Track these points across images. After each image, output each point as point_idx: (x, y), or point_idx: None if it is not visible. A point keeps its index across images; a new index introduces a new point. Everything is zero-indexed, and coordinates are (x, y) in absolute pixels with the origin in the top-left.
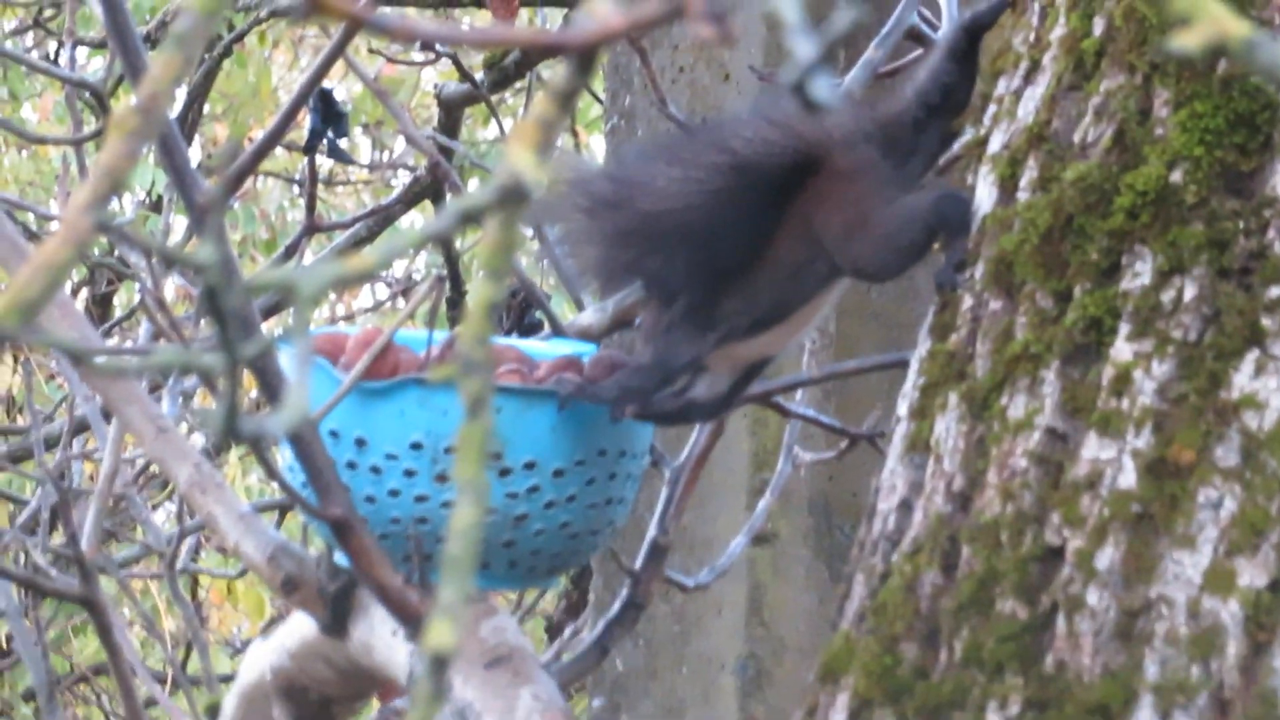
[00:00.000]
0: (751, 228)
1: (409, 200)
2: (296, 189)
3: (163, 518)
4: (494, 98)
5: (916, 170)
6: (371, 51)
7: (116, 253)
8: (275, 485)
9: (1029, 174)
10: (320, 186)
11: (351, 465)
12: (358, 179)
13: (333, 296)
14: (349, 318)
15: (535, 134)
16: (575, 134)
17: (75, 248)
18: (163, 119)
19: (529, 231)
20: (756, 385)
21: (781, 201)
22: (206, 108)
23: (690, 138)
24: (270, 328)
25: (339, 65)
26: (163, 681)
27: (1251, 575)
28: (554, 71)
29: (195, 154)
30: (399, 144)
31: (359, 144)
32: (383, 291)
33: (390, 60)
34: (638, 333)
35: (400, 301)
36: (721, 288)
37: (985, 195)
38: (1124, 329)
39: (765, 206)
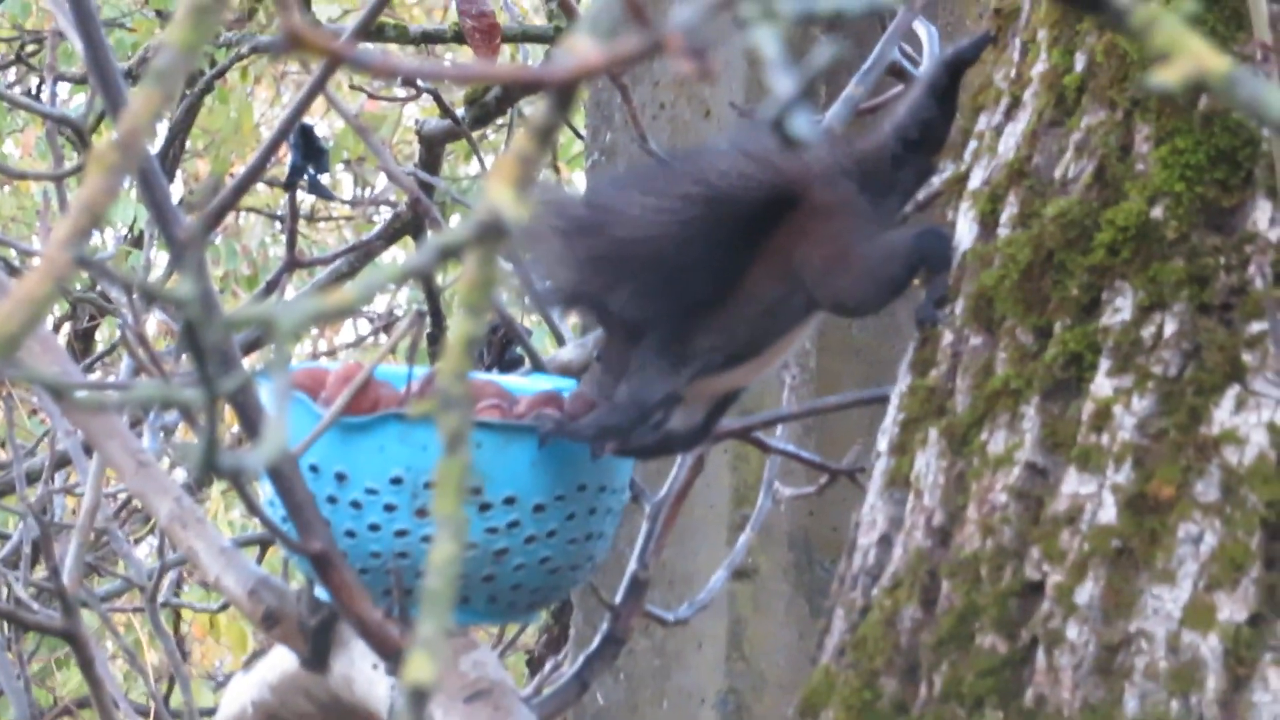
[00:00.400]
0: (725, 260)
1: (390, 236)
2: (278, 225)
3: (145, 552)
4: (475, 134)
5: (894, 206)
6: (353, 88)
7: (98, 288)
8: (256, 520)
9: (1010, 210)
10: (302, 222)
11: (332, 500)
12: (339, 215)
13: (314, 332)
14: (331, 353)
15: (515, 170)
16: (557, 169)
17: (55, 282)
18: (143, 154)
19: (509, 267)
20: (737, 420)
21: (757, 236)
22: (188, 144)
23: (666, 168)
24: (251, 363)
25: (321, 101)
26: (145, 715)
27: (1231, 610)
28: (535, 107)
29: (177, 190)
30: (380, 180)
31: (341, 180)
32: (364, 327)
33: (372, 96)
34: (598, 365)
35: (382, 337)
36: (695, 322)
37: (966, 231)
38: (1104, 364)
39: (740, 240)
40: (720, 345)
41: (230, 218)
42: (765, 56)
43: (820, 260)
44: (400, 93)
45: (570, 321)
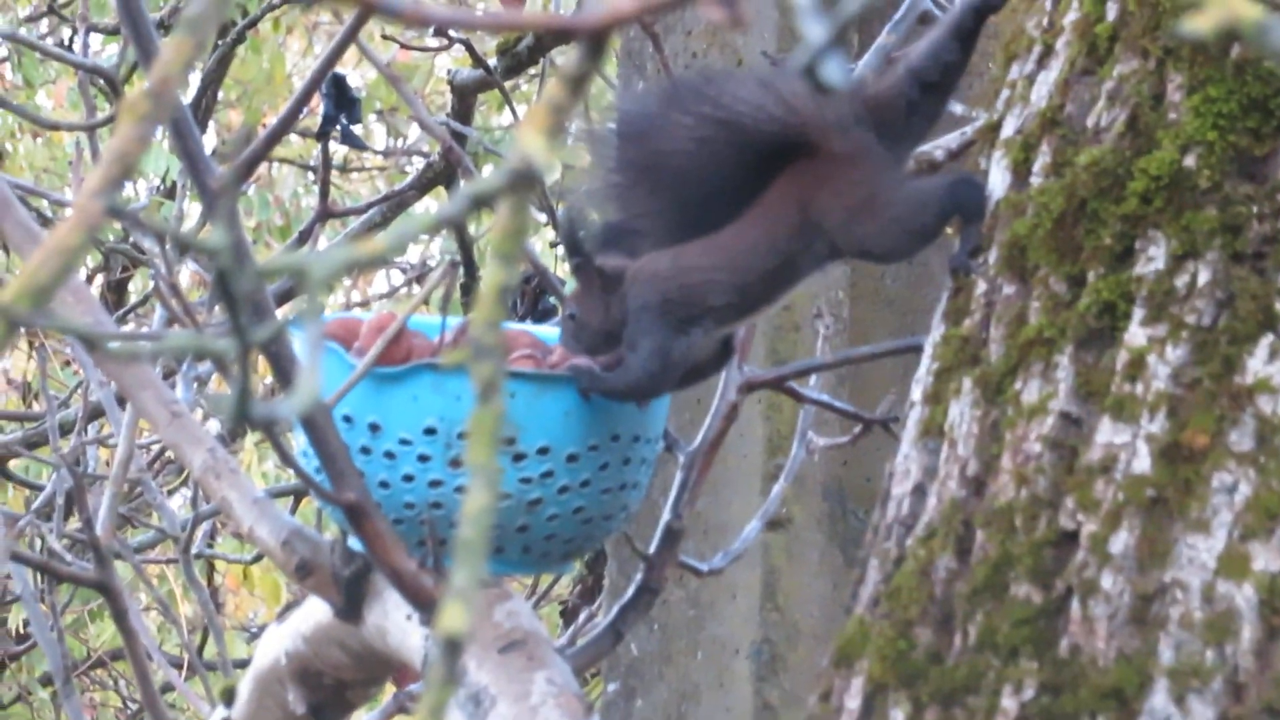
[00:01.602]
0: (728, 192)
1: (423, 186)
2: (311, 175)
3: (179, 503)
4: (508, 83)
5: (907, 149)
6: (385, 38)
7: (131, 239)
8: (290, 471)
9: (1042, 159)
10: (335, 173)
11: (365, 450)
12: (373, 165)
13: (348, 282)
14: (364, 304)
15: (546, 118)
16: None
17: (86, 232)
18: (174, 104)
19: (542, 216)
20: (771, 370)
21: (764, 175)
22: (221, 94)
23: (693, 87)
24: (284, 313)
25: (353, 52)
26: (179, 666)
27: (1266, 559)
28: (566, 56)
29: (210, 140)
30: (413, 130)
31: (374, 131)
32: (398, 278)
33: (404, 46)
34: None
35: (415, 287)
36: (697, 277)
37: (999, 180)
38: (1138, 314)
39: (746, 174)
40: (736, 303)
41: (263, 168)
42: (796, 4)
43: (844, 209)
44: (433, 43)
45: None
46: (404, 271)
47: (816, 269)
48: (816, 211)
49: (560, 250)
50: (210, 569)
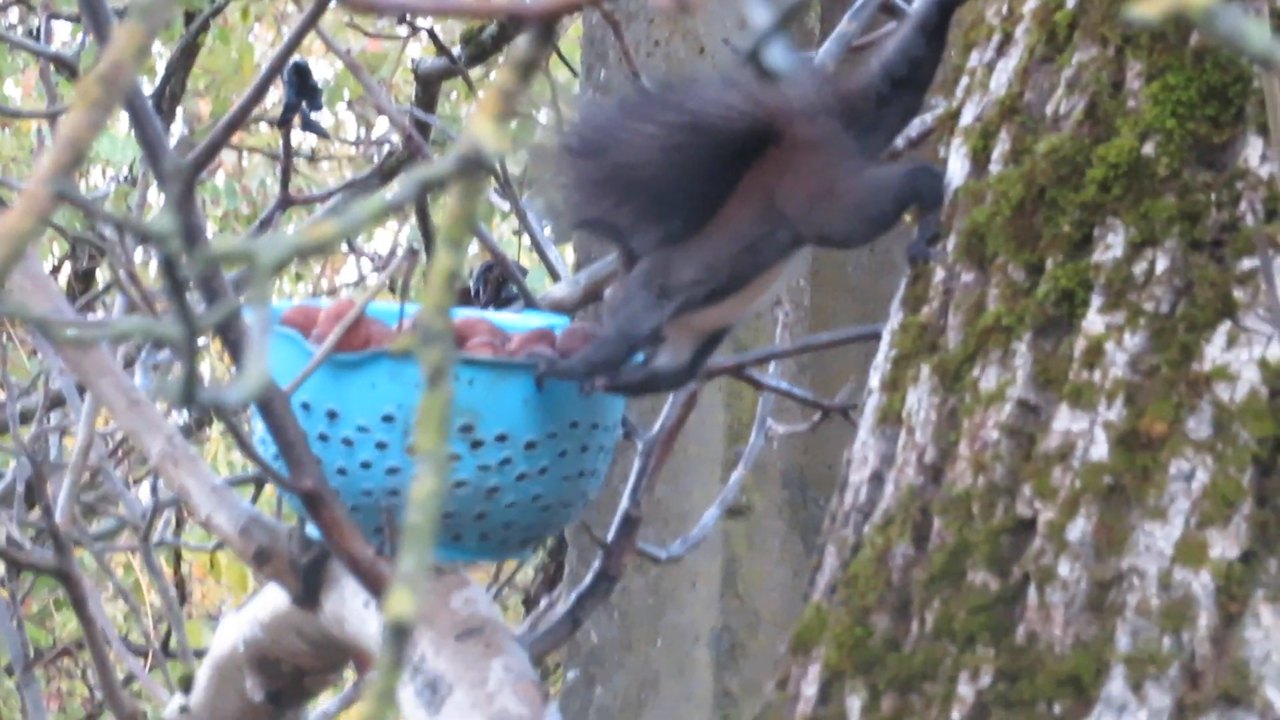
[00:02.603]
0: (708, 191)
1: (385, 174)
2: (279, 165)
3: (146, 492)
4: (473, 72)
5: (879, 144)
6: (351, 26)
7: (95, 227)
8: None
9: (1001, 146)
10: (304, 162)
11: (323, 438)
12: (340, 155)
13: (316, 271)
14: (332, 292)
15: (497, 104)
16: (556, 109)
17: (36, 218)
18: (129, 90)
19: (504, 203)
20: (731, 357)
21: (739, 169)
22: (190, 84)
23: (654, 96)
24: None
25: (322, 42)
26: (145, 655)
27: (1223, 547)
28: (517, 42)
29: (178, 130)
30: (383, 120)
31: (344, 120)
32: (367, 266)
33: (371, 36)
34: (604, 305)
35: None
36: (679, 257)
37: (958, 168)
38: (1096, 301)
39: (723, 172)
40: (703, 280)
41: (233, 158)
42: None
43: (804, 195)
44: (401, 32)
45: (565, 259)
46: (372, 260)
47: (782, 258)
48: (780, 198)
49: (525, 239)
50: (177, 557)
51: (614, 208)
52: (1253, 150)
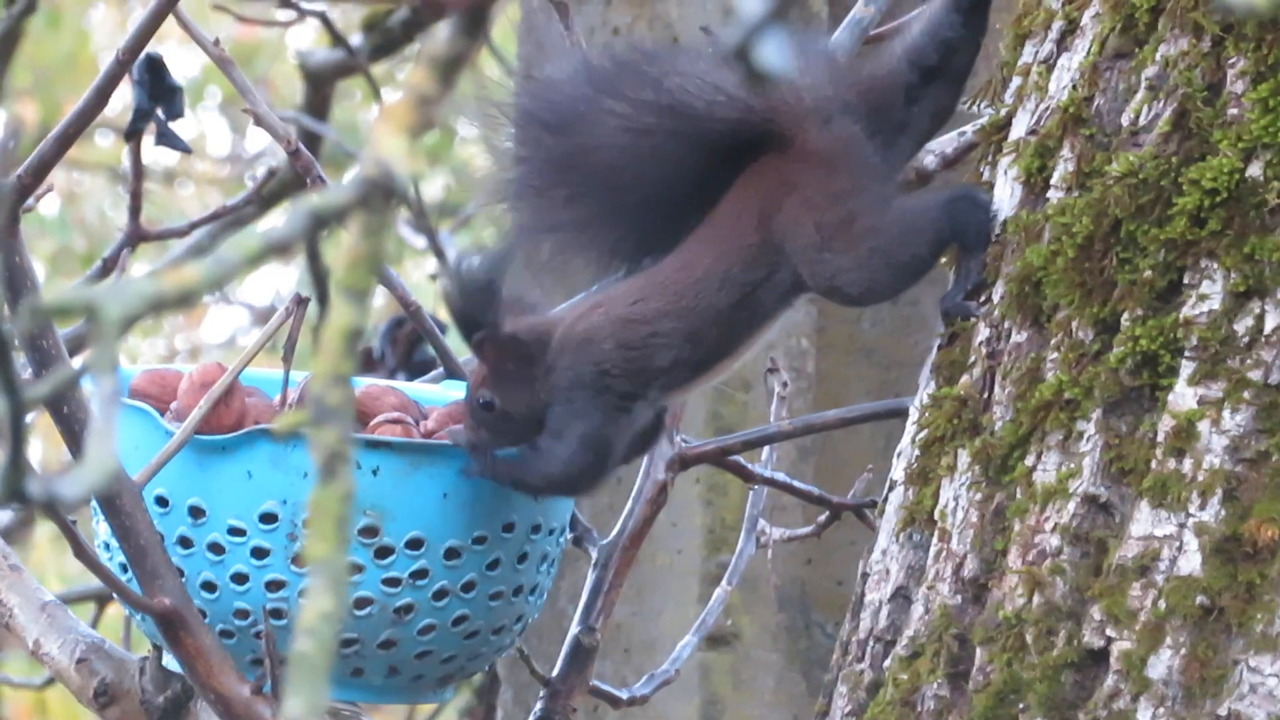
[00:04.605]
0: (680, 199)
1: (265, 201)
2: (122, 187)
3: None
4: (376, 69)
5: (905, 151)
6: (217, 8)
7: None
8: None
9: (1063, 167)
10: (158, 182)
11: (185, 542)
12: (206, 175)
13: (176, 324)
14: (195, 354)
15: (409, 114)
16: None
17: None
18: None
19: (421, 242)
20: (712, 440)
21: (726, 176)
22: (10, 81)
23: (628, 65)
24: (79, 363)
25: (180, 30)
26: None
27: None
28: (438, 34)
29: None
30: (262, 132)
31: (210, 131)
32: (243, 319)
33: (242, 20)
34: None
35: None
36: (637, 314)
37: (1006, 195)
38: (1186, 368)
39: (703, 175)
40: (683, 360)
41: (64, 178)
42: None
43: (814, 228)
44: (284, 16)
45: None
46: (248, 312)
47: (783, 306)
48: (780, 228)
49: (443, 286)
50: None
51: (564, 202)
52: None
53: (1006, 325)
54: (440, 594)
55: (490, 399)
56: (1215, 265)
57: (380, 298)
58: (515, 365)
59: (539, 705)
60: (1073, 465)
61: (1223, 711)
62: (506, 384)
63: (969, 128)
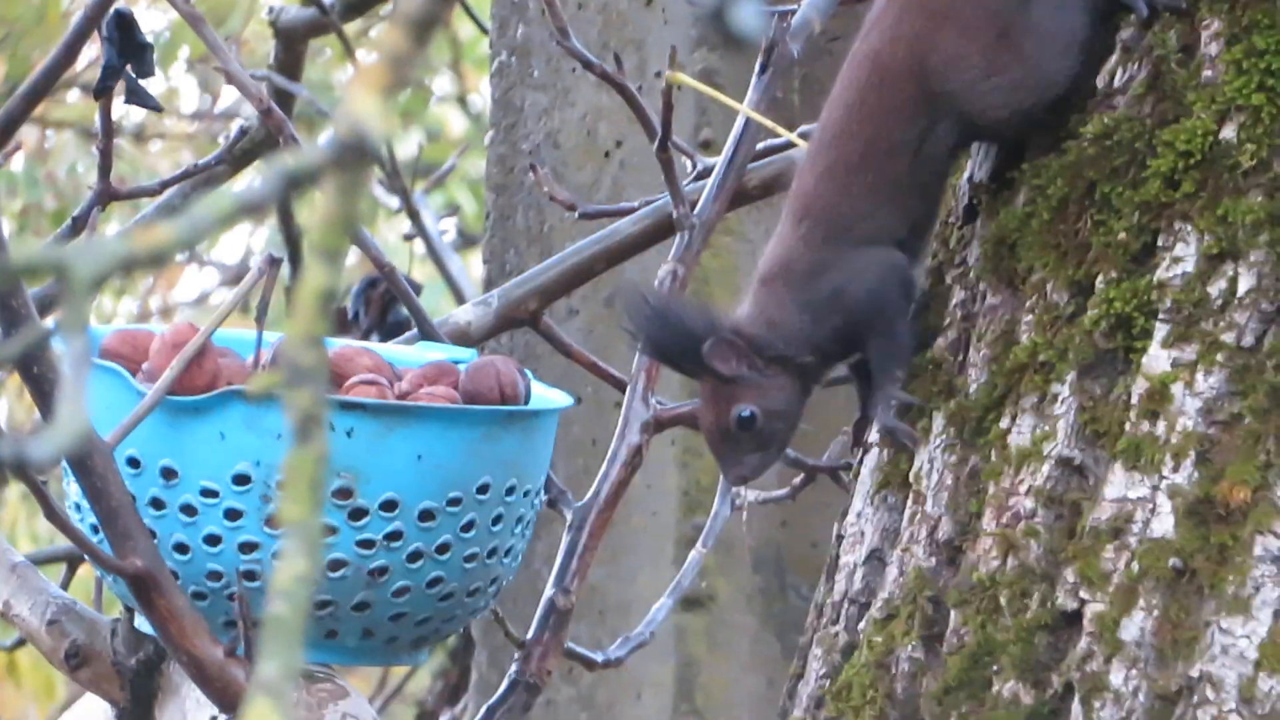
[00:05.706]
0: None
1: (237, 160)
2: (93, 145)
3: None
4: (350, 27)
5: None
6: None
7: None
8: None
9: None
10: (129, 141)
11: (157, 504)
12: (177, 133)
13: (148, 285)
14: (167, 314)
15: (383, 75)
16: (459, 74)
17: None
18: None
19: (395, 202)
20: (685, 402)
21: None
22: None
23: None
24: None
25: None
26: None
27: None
28: None
29: None
30: (233, 90)
31: (181, 88)
32: (212, 279)
33: None
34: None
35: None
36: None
37: (980, 156)
38: (1160, 331)
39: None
40: (899, 217)
41: (34, 135)
42: None
43: (979, 54)
44: None
45: (471, 273)
46: (219, 272)
47: (951, 161)
48: (938, 68)
49: (420, 247)
50: None
51: None
52: None
53: (981, 287)
54: (415, 556)
55: (749, 411)
56: (1189, 228)
57: (354, 257)
58: (743, 362)
59: (513, 667)
60: (1047, 428)
61: (1194, 673)
62: (750, 389)
63: None
